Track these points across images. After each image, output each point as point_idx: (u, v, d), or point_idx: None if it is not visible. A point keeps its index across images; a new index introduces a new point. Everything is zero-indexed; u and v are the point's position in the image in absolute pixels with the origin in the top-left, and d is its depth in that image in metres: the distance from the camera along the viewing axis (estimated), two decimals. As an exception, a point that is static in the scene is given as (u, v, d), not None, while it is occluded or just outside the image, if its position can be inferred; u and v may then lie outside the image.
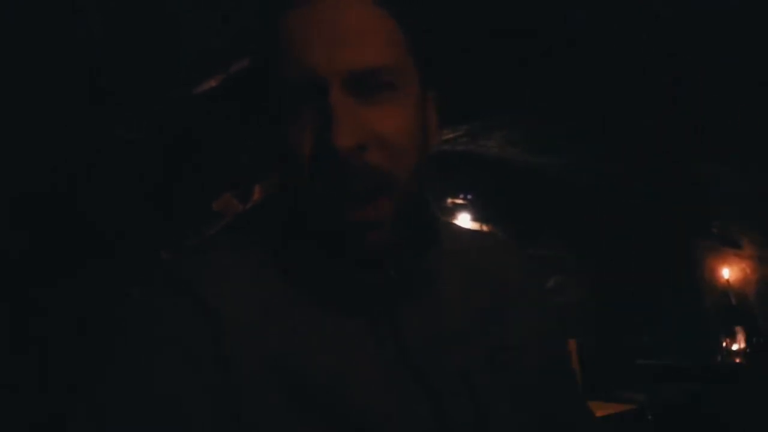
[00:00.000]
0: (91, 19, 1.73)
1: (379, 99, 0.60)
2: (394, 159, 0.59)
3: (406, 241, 0.63)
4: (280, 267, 0.63)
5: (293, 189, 0.62)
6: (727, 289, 4.36)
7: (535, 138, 3.84)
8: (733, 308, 4.32)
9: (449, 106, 0.72)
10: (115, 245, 2.13)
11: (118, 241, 2.14)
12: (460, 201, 4.56)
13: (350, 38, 0.59)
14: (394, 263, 0.63)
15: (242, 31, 1.98)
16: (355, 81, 0.58)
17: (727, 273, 4.39)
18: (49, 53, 1.76)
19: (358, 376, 0.59)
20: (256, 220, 0.70)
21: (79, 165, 2.06)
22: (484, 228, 4.35)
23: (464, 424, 0.61)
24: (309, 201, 0.60)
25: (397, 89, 0.60)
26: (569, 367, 0.79)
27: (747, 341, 4.17)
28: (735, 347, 4.22)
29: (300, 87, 0.59)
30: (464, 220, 4.47)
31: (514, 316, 0.71)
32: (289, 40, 0.60)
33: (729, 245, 4.31)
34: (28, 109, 1.85)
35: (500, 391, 0.64)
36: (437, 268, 0.67)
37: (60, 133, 1.95)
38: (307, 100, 0.59)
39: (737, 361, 4.12)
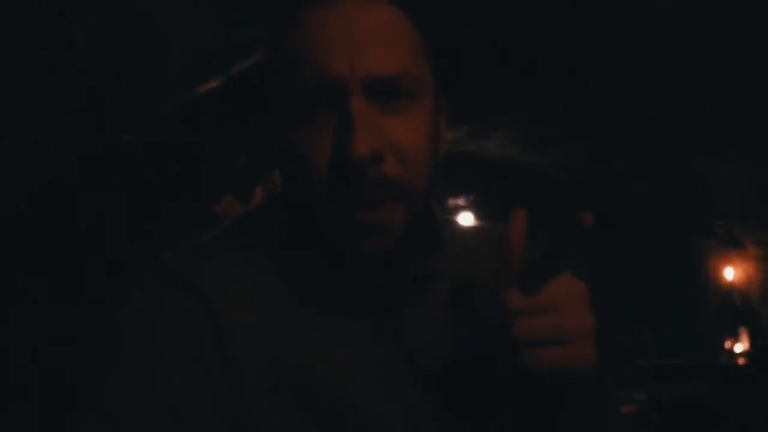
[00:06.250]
0: (91, 21, 1.73)
1: (397, 107, 0.58)
2: (410, 170, 0.58)
3: (412, 244, 0.62)
4: (282, 270, 0.62)
5: (300, 194, 0.60)
6: (730, 289, 4.36)
7: (536, 137, 3.84)
8: (736, 309, 4.31)
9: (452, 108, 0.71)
10: (114, 247, 2.13)
11: (118, 243, 2.14)
12: (461, 202, 4.57)
13: (373, 42, 0.57)
14: (399, 267, 0.62)
15: (243, 34, 1.98)
16: (376, 87, 0.57)
17: (730, 273, 4.38)
18: (49, 56, 1.76)
19: (361, 379, 0.59)
20: (258, 222, 0.69)
21: (79, 167, 2.06)
22: (484, 226, 4.34)
23: (465, 425, 0.60)
24: (319, 206, 0.59)
25: (415, 98, 0.59)
26: None
27: (751, 342, 4.16)
28: (739, 348, 4.22)
29: (317, 90, 0.57)
30: (465, 219, 4.47)
31: None
32: (307, 40, 0.58)
33: (732, 245, 4.31)
34: (29, 110, 1.84)
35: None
36: (440, 269, 0.66)
37: (62, 135, 1.94)
38: (323, 104, 0.57)
39: (741, 361, 4.12)
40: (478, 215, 4.56)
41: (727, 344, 4.28)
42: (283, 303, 0.60)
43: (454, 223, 0.82)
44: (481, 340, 0.58)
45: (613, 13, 2.47)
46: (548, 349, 0.52)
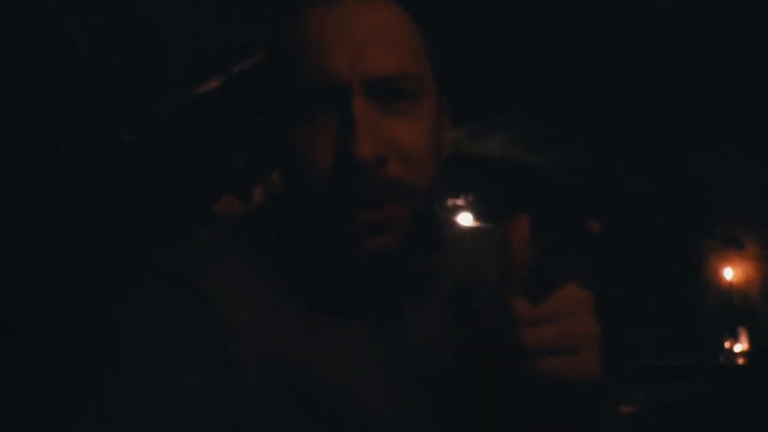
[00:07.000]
0: (91, 21, 1.73)
1: (398, 109, 0.58)
2: (412, 171, 0.58)
3: (412, 244, 0.62)
4: (282, 269, 0.62)
5: (300, 194, 0.60)
6: (730, 289, 4.36)
7: (536, 137, 3.84)
8: (736, 309, 4.31)
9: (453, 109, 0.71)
10: (114, 247, 2.13)
11: (118, 243, 2.14)
12: (461, 202, 4.57)
13: (373, 42, 0.57)
14: (399, 267, 0.62)
15: (243, 34, 1.98)
16: (376, 87, 0.57)
17: (730, 273, 4.38)
18: (49, 56, 1.75)
19: (361, 379, 0.59)
20: (258, 222, 0.69)
21: (79, 167, 2.06)
22: (485, 226, 4.34)
23: (465, 425, 0.60)
24: (319, 206, 0.59)
25: (416, 99, 0.59)
26: None
27: (750, 342, 4.16)
28: (739, 348, 4.22)
29: (317, 90, 0.57)
30: (465, 219, 4.47)
31: None
32: (308, 40, 0.58)
33: (732, 245, 4.31)
34: (29, 110, 1.84)
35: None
36: (440, 269, 0.66)
37: (62, 135, 1.94)
38: (323, 104, 0.57)
39: (741, 361, 4.11)
40: (478, 215, 4.55)
41: (727, 344, 4.28)
42: (283, 303, 0.60)
43: (456, 225, 0.82)
44: (481, 341, 0.58)
45: (613, 13, 2.47)
46: (554, 358, 0.52)
